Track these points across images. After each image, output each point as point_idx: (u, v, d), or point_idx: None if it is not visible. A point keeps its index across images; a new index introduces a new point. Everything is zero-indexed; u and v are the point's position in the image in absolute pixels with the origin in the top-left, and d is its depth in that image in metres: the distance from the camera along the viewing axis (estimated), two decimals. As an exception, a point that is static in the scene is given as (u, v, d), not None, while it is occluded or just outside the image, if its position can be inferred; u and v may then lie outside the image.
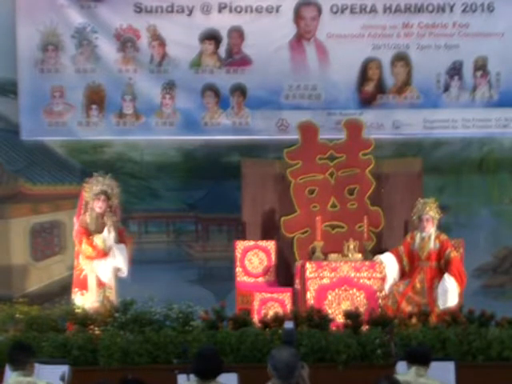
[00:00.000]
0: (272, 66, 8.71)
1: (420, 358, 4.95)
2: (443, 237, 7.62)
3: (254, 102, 8.73)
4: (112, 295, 7.19)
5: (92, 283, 7.16)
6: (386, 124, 8.79)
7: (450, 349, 6.43)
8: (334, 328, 6.77)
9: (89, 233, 7.17)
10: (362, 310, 7.03)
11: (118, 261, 7.16)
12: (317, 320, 6.65)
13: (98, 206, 7.19)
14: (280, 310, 7.20)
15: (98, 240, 7.13)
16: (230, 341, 6.39)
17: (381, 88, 8.83)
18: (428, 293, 7.45)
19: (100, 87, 8.69)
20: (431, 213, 7.57)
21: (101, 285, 7.17)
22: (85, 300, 7.10)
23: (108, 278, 7.18)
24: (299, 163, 8.17)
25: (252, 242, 7.99)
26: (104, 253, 7.15)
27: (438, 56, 8.77)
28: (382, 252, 7.77)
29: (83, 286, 7.17)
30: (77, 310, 6.83)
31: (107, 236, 7.15)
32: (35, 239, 8.71)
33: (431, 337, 6.48)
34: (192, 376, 4.24)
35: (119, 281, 7.32)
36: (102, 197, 7.21)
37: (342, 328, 6.74)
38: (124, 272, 7.25)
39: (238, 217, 8.41)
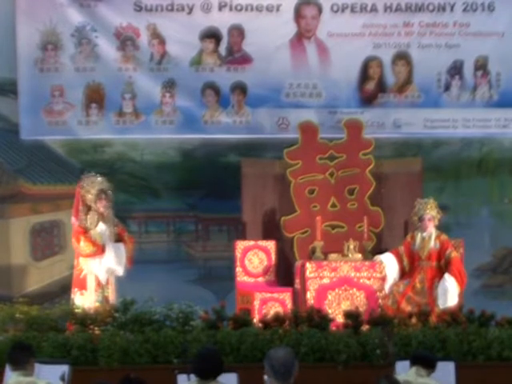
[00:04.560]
0: (272, 64, 8.70)
1: (424, 361, 4.96)
2: (443, 237, 7.61)
3: (254, 101, 8.73)
4: (111, 295, 7.18)
5: (91, 283, 7.15)
6: (386, 123, 8.79)
7: (450, 349, 6.43)
8: (334, 328, 6.77)
9: (86, 231, 7.17)
10: (361, 309, 7.02)
11: (110, 260, 7.15)
12: (317, 320, 6.64)
13: (103, 205, 7.21)
14: (280, 310, 7.20)
15: (95, 235, 7.13)
16: (230, 341, 6.38)
17: (381, 87, 8.83)
18: (428, 293, 7.45)
19: (100, 86, 8.68)
20: (432, 212, 7.57)
21: (100, 285, 7.17)
22: (84, 300, 7.10)
23: (104, 277, 7.16)
24: (299, 163, 8.17)
25: (252, 242, 7.98)
26: (103, 249, 7.14)
27: (439, 55, 8.77)
28: (382, 252, 7.76)
29: (83, 285, 7.16)
30: (76, 310, 6.82)
31: (104, 229, 7.15)
32: (35, 239, 8.70)
33: (431, 337, 6.49)
34: (192, 376, 4.23)
35: (119, 281, 7.32)
36: (103, 196, 7.23)
37: (342, 328, 6.74)
38: (119, 272, 7.24)
39: (238, 217, 8.39)
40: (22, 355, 4.53)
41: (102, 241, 7.16)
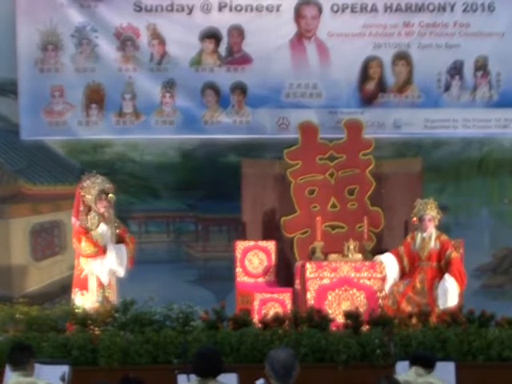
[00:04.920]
0: (273, 64, 8.71)
1: (423, 361, 4.97)
2: (444, 237, 7.61)
3: (254, 101, 8.73)
4: (112, 295, 7.18)
5: (92, 283, 7.15)
6: (386, 123, 8.79)
7: (450, 349, 6.44)
8: (334, 328, 6.77)
9: (87, 231, 7.17)
10: (362, 310, 7.03)
11: (111, 261, 7.15)
12: (317, 320, 6.65)
13: (103, 205, 7.20)
14: (280, 310, 7.20)
15: (97, 235, 7.13)
16: (230, 341, 6.39)
17: (382, 87, 8.84)
18: (428, 293, 7.44)
19: (100, 86, 8.69)
20: (432, 213, 7.57)
21: (101, 285, 7.16)
22: (85, 300, 7.09)
23: (106, 278, 7.16)
24: (299, 163, 8.17)
25: (252, 242, 7.98)
26: (104, 250, 7.14)
27: (439, 55, 8.77)
28: (382, 252, 7.76)
29: (83, 286, 7.16)
30: (77, 311, 6.82)
31: (105, 229, 7.15)
32: (35, 239, 8.70)
33: (431, 337, 6.49)
34: (192, 376, 4.24)
35: (119, 281, 7.32)
36: (103, 196, 7.22)
37: (342, 328, 6.74)
38: (120, 273, 7.23)
39: (238, 217, 8.40)
40: (21, 356, 4.53)
41: (103, 241, 7.16)
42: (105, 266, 7.14)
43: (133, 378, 4.06)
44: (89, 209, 7.25)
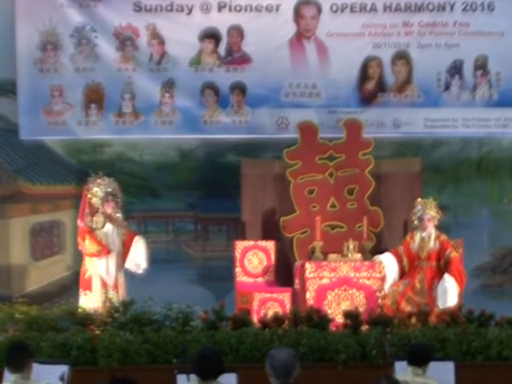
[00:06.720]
0: (272, 64, 8.72)
1: (417, 358, 4.97)
2: (443, 237, 7.61)
3: (253, 101, 8.74)
4: (115, 297, 7.16)
5: (96, 284, 7.15)
6: (386, 122, 8.79)
7: (450, 349, 6.44)
8: (333, 328, 6.77)
9: (92, 231, 7.16)
10: (361, 309, 7.03)
11: (140, 252, 7.16)
12: (316, 320, 6.65)
13: (111, 207, 7.21)
14: (279, 310, 7.21)
15: (102, 234, 7.13)
16: (230, 341, 6.39)
17: (381, 86, 8.84)
18: (428, 293, 7.44)
19: (99, 86, 8.69)
20: (432, 212, 7.57)
21: (105, 285, 7.16)
22: (88, 300, 7.10)
23: (111, 278, 7.16)
24: (299, 163, 8.17)
25: (251, 242, 7.99)
26: (108, 249, 7.13)
27: (439, 55, 8.77)
28: (381, 252, 7.76)
29: (87, 286, 7.17)
30: (78, 310, 6.82)
31: (111, 229, 7.15)
32: (35, 239, 8.70)
33: (431, 337, 6.49)
34: (192, 376, 4.24)
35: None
36: (110, 197, 7.22)
37: (342, 328, 6.75)
38: (143, 266, 7.23)
39: (238, 217, 8.40)
40: (19, 357, 4.48)
41: (107, 241, 7.16)
42: (111, 265, 7.12)
43: (121, 377, 3.99)
44: (96, 210, 7.25)
